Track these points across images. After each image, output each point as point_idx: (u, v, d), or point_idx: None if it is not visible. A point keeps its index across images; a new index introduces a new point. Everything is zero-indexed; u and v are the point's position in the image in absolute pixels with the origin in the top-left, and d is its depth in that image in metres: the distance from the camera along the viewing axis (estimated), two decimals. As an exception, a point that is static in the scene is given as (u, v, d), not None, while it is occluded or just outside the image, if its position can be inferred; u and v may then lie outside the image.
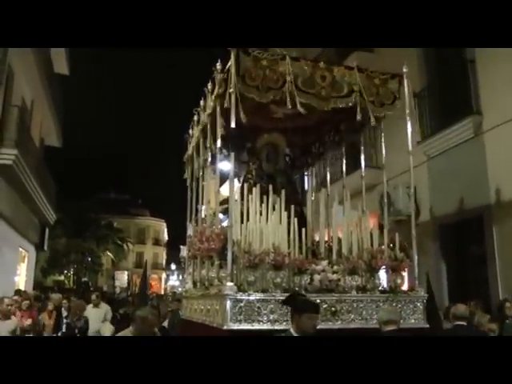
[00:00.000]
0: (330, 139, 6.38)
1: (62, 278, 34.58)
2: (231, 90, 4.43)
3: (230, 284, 4.17)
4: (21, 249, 15.83)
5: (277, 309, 4.16)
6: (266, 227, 4.52)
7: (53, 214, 17.58)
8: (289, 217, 4.74)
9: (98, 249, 35.44)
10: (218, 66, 4.79)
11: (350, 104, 4.86)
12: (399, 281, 4.85)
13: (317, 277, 4.52)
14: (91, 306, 8.55)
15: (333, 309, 4.43)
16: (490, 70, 7.91)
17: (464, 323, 4.85)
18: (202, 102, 5.63)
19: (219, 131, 4.98)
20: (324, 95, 4.80)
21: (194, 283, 5.75)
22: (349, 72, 4.93)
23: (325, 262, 4.73)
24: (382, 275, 4.98)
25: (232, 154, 4.68)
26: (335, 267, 4.70)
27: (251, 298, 4.16)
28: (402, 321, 4.29)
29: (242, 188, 5.26)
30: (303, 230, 4.82)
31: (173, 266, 51.04)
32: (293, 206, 4.95)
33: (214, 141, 5.25)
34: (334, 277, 4.58)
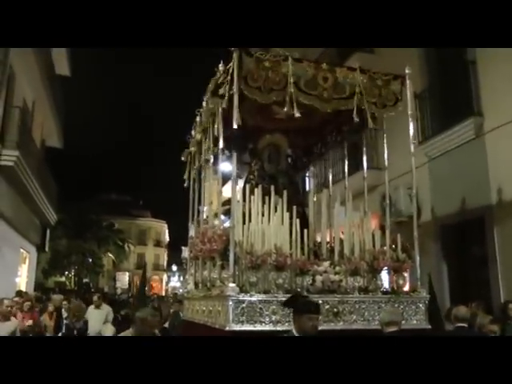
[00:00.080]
0: (332, 140, 6.39)
1: (63, 279, 34.62)
2: (233, 91, 4.43)
3: (232, 285, 4.16)
4: (22, 250, 15.83)
5: (279, 310, 4.16)
6: (268, 228, 4.52)
7: (54, 215, 17.57)
8: (291, 218, 4.74)
9: (99, 250, 35.45)
10: (221, 67, 4.79)
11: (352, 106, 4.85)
12: (401, 282, 4.84)
13: (319, 278, 4.53)
14: (93, 307, 8.51)
15: (335, 310, 4.43)
16: (491, 71, 7.90)
17: (465, 325, 4.83)
18: (204, 103, 5.62)
19: (221, 132, 4.99)
20: (326, 97, 4.80)
21: (196, 284, 5.74)
22: (351, 73, 4.91)
23: (327, 263, 4.73)
24: (384, 276, 4.98)
25: (234, 155, 4.66)
26: (337, 268, 4.70)
27: (253, 298, 4.16)
28: (403, 322, 4.28)
29: (243, 189, 5.26)
30: (305, 230, 4.81)
31: (174, 268, 50.95)
32: (295, 207, 4.96)
33: (216, 142, 5.26)
34: (336, 278, 4.58)
